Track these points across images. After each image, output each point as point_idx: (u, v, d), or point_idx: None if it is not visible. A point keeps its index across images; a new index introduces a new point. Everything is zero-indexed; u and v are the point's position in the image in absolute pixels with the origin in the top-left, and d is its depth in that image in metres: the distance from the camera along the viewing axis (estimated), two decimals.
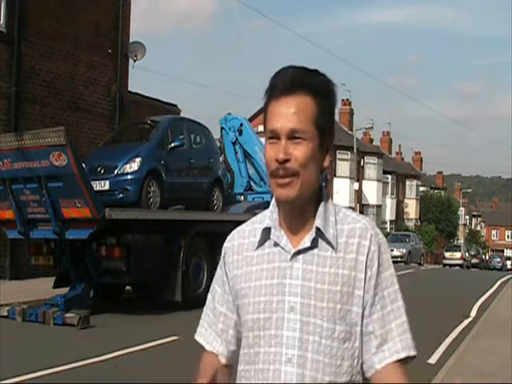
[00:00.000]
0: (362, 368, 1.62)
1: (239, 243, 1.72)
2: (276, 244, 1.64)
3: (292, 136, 1.58)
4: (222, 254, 1.75)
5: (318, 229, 1.61)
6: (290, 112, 1.58)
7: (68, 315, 9.58)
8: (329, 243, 1.61)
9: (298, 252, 1.61)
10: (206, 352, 1.77)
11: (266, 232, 1.66)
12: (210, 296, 1.78)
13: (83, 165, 10.11)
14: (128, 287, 12.63)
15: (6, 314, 10.05)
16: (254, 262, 1.66)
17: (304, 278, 1.59)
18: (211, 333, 1.75)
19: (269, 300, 1.61)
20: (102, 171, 11.03)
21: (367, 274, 1.60)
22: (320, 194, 1.65)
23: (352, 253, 1.60)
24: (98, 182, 10.74)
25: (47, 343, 8.62)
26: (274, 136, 1.59)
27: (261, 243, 1.67)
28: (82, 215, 9.70)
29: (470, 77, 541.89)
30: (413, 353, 1.62)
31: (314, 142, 1.59)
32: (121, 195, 10.91)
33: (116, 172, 11.00)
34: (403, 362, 1.62)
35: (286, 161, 1.57)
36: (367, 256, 1.60)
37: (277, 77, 1.63)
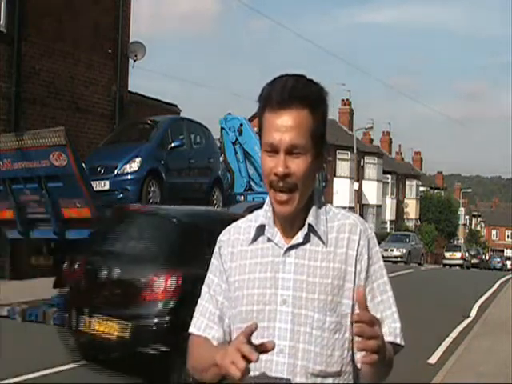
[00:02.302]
0: (353, 358, 1.67)
1: (234, 238, 1.77)
2: (269, 240, 1.70)
3: (290, 151, 1.61)
4: (217, 247, 1.80)
5: (310, 225, 1.67)
6: (288, 126, 1.61)
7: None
8: (320, 239, 1.67)
9: (291, 247, 1.68)
10: (194, 337, 1.76)
11: (260, 229, 1.72)
12: (205, 288, 1.81)
13: (83, 165, 10.10)
14: None
15: (5, 314, 10.04)
16: (248, 255, 1.72)
17: (296, 272, 1.65)
18: (203, 321, 1.77)
19: (262, 293, 1.66)
20: (102, 171, 11.03)
21: (357, 268, 1.67)
22: (312, 194, 1.71)
23: (342, 247, 1.68)
24: (98, 182, 10.73)
25: (47, 343, 8.62)
26: (271, 149, 1.63)
27: (255, 239, 1.72)
28: (81, 215, 9.69)
29: (470, 77, 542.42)
30: (398, 341, 1.68)
31: (311, 154, 1.64)
32: (121, 195, 10.90)
33: (116, 172, 11.00)
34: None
35: (286, 175, 1.61)
36: (357, 250, 1.68)
37: (273, 87, 1.65)
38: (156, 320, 5.96)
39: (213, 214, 8.40)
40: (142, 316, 6.03)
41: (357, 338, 1.47)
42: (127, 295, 6.21)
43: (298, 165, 1.61)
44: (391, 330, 1.67)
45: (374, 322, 1.46)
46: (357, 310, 1.58)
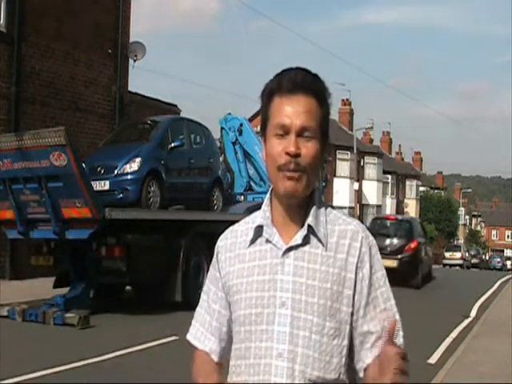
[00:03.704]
0: (350, 367, 1.65)
1: (232, 242, 1.75)
2: (268, 241, 1.67)
3: (301, 133, 1.61)
4: (215, 253, 1.78)
5: (309, 226, 1.65)
6: (299, 109, 1.61)
7: (68, 315, 9.58)
8: (319, 241, 1.64)
9: (290, 248, 1.64)
10: (198, 351, 1.80)
11: (259, 230, 1.69)
12: (203, 295, 1.81)
13: (83, 165, 10.10)
14: (128, 287, 12.63)
15: (5, 314, 10.04)
16: (246, 259, 1.69)
17: (295, 274, 1.63)
18: (203, 332, 1.78)
19: (260, 295, 1.64)
20: (102, 171, 11.02)
21: (358, 276, 1.64)
22: (313, 193, 1.69)
23: (343, 253, 1.65)
24: (97, 182, 10.73)
25: (47, 343, 8.61)
26: (282, 131, 1.62)
27: (253, 241, 1.69)
28: (81, 215, 9.70)
29: (470, 77, 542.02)
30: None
31: (319, 143, 1.64)
32: (121, 195, 10.90)
33: (116, 172, 11.00)
34: None
35: (297, 155, 1.59)
36: (358, 257, 1.65)
37: (284, 75, 1.66)
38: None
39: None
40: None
41: (393, 370, 1.48)
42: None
43: (308, 148, 1.60)
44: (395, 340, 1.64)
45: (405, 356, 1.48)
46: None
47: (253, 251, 1.69)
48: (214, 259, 1.78)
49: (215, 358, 1.77)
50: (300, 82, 1.63)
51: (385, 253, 17.46)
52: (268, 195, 1.72)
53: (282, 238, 1.66)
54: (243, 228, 1.75)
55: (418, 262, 18.38)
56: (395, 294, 1.71)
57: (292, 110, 1.61)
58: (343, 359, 1.63)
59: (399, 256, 17.95)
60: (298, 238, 1.64)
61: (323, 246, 1.64)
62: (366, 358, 1.64)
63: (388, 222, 19.94)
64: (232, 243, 1.74)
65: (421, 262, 18.60)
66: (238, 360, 1.67)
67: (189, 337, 1.82)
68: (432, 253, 23.48)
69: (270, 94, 1.66)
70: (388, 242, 18.30)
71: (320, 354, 1.60)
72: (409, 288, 16.37)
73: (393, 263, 17.32)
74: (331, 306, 1.61)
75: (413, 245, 18.41)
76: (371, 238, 1.70)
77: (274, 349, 1.60)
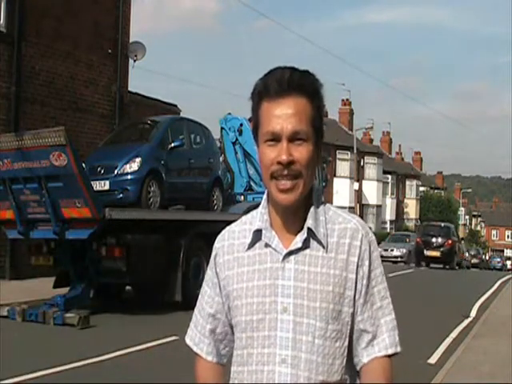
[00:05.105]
0: (349, 365, 1.65)
1: (229, 244, 1.72)
2: (267, 245, 1.65)
3: (293, 138, 1.58)
4: (213, 255, 1.75)
5: (309, 229, 1.62)
6: (289, 113, 1.58)
7: (68, 315, 9.58)
8: (320, 243, 1.62)
9: (290, 253, 1.62)
10: (197, 357, 1.79)
11: (257, 233, 1.66)
12: (200, 297, 1.79)
13: (83, 165, 10.10)
14: (128, 287, 12.63)
15: (5, 314, 10.04)
16: (245, 262, 1.67)
17: (296, 279, 1.60)
18: (197, 334, 1.78)
19: (261, 301, 1.61)
20: (102, 171, 11.02)
21: (359, 274, 1.63)
22: (311, 193, 1.66)
23: (343, 253, 1.63)
24: (98, 182, 10.73)
25: (47, 343, 8.62)
26: (273, 138, 1.59)
27: (251, 245, 1.67)
28: (81, 215, 9.69)
29: (470, 77, 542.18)
30: (399, 350, 1.67)
31: (312, 143, 1.60)
32: (121, 195, 10.90)
33: (116, 172, 10.99)
34: (390, 357, 1.66)
35: (290, 162, 1.57)
36: (358, 256, 1.63)
37: (269, 78, 1.62)
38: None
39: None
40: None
41: None
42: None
43: (301, 152, 1.57)
44: (391, 340, 1.65)
45: None
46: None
47: (252, 255, 1.66)
48: (211, 261, 1.75)
49: (212, 359, 1.76)
50: (287, 82, 1.58)
51: (432, 246, 29.04)
52: (265, 197, 1.69)
53: (282, 241, 1.63)
54: (240, 229, 1.72)
55: (453, 253, 29.39)
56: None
57: (281, 116, 1.58)
58: (345, 359, 1.63)
59: (441, 249, 28.71)
60: (298, 242, 1.61)
61: (324, 248, 1.62)
62: (362, 356, 1.64)
63: (434, 227, 31.07)
64: (230, 245, 1.71)
65: (455, 253, 29.76)
66: (240, 366, 1.66)
67: (187, 339, 1.81)
68: (462, 248, 34.21)
69: (258, 97, 1.63)
70: (434, 239, 29.21)
71: (323, 358, 1.59)
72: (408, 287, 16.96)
73: (437, 253, 28.65)
74: (333, 309, 1.60)
75: (450, 241, 29.17)
76: (371, 234, 1.68)
77: (277, 355, 1.58)
